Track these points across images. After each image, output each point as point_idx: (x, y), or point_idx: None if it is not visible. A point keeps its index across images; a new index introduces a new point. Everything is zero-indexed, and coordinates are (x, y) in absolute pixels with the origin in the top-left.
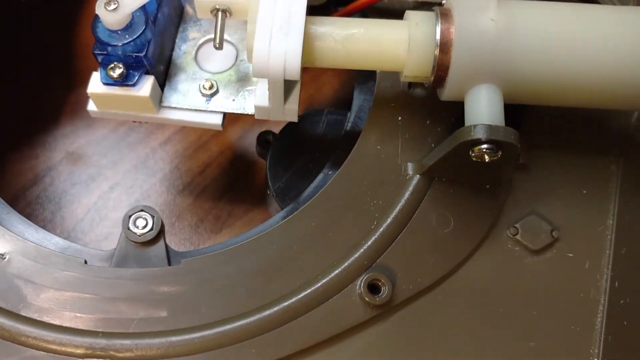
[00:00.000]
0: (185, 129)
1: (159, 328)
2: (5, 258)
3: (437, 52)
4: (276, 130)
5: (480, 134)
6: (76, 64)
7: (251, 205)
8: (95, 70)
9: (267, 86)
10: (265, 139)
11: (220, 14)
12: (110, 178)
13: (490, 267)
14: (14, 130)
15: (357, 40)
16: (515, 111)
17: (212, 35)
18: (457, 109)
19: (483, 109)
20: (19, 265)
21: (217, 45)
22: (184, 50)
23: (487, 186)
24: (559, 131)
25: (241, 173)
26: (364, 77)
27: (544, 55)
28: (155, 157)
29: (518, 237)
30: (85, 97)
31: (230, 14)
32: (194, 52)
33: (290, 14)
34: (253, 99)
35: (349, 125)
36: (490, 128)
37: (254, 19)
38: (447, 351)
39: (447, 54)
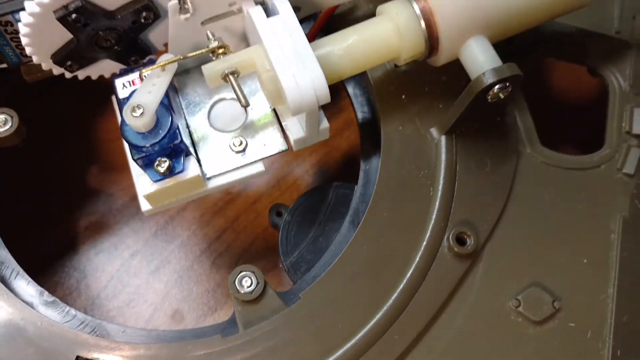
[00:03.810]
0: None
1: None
2: None
3: (424, 27)
4: (288, 203)
5: (491, 79)
6: (100, 141)
7: (265, 270)
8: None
9: (295, 121)
10: (277, 212)
11: (231, 77)
12: (132, 246)
13: (492, 339)
14: (41, 201)
15: (356, 47)
16: None
17: (214, 100)
18: (443, 69)
19: (481, 58)
20: None
21: (244, 103)
22: (197, 122)
23: (498, 118)
24: (556, 202)
25: (255, 237)
26: (368, 151)
27: None
28: (173, 224)
29: (520, 309)
30: (107, 170)
31: (239, 74)
32: (206, 121)
33: (298, 49)
34: (289, 135)
35: (357, 197)
36: (496, 71)
37: (265, 68)
38: None
39: (432, 25)
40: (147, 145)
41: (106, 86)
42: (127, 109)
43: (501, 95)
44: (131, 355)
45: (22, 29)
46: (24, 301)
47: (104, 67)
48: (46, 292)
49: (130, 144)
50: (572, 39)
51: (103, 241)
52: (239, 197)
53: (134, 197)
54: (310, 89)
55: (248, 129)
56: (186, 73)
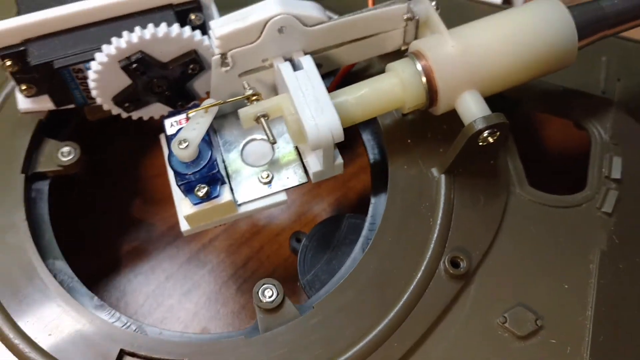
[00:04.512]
0: (230, 228)
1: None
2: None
3: (424, 82)
4: (306, 230)
5: (481, 125)
6: (145, 176)
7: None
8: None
9: (314, 157)
10: (297, 238)
11: (262, 119)
12: (167, 270)
13: (481, 352)
14: (91, 226)
15: (367, 97)
16: None
17: (247, 140)
18: (443, 119)
19: (473, 108)
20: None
21: (272, 141)
22: (232, 158)
23: (491, 162)
24: (542, 234)
25: (277, 266)
26: (378, 187)
27: (491, 53)
28: (205, 252)
29: (506, 325)
30: (149, 202)
31: (268, 117)
32: (239, 157)
33: (318, 97)
34: (309, 169)
35: (366, 226)
36: (485, 118)
37: (290, 112)
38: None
39: (432, 80)
40: (190, 173)
41: (153, 129)
42: (174, 142)
43: (490, 140)
44: (167, 350)
45: (91, 75)
46: (77, 301)
47: (155, 109)
48: (96, 297)
49: (175, 172)
50: (561, 96)
51: (142, 265)
52: (263, 229)
53: (171, 227)
54: (327, 129)
55: (274, 164)
56: (224, 117)
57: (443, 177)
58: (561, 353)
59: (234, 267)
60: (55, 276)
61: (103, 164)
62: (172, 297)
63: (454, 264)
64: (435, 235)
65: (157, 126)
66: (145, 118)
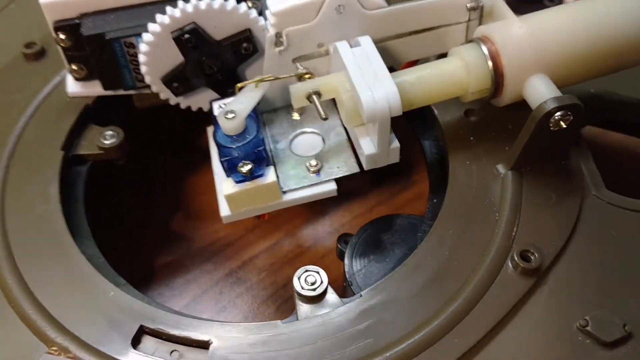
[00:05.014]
0: (273, 248)
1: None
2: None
3: (490, 65)
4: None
5: (553, 105)
6: (190, 193)
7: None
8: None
9: (367, 140)
10: (344, 240)
11: (314, 96)
12: (203, 285)
13: (557, 357)
14: (133, 235)
15: (427, 78)
16: None
17: (296, 133)
18: (509, 119)
19: (543, 90)
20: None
21: (323, 117)
22: (280, 147)
23: (562, 162)
24: (623, 238)
25: None
26: (436, 187)
27: (564, 33)
28: (245, 269)
29: (588, 328)
30: (191, 218)
31: (320, 95)
32: (288, 147)
33: (375, 71)
34: (361, 154)
35: (425, 224)
36: (557, 98)
37: (345, 89)
38: None
39: (498, 63)
40: (234, 147)
41: (201, 150)
42: (221, 113)
43: (563, 124)
44: (191, 328)
45: (143, 47)
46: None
47: (203, 98)
48: (121, 278)
49: (219, 146)
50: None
51: (176, 279)
52: (308, 250)
53: (212, 243)
54: (384, 99)
55: (324, 155)
56: (274, 112)
57: (510, 173)
58: None
59: (274, 287)
60: (82, 252)
61: (150, 174)
62: (206, 312)
63: (524, 258)
64: (502, 229)
65: (206, 148)
66: (194, 108)
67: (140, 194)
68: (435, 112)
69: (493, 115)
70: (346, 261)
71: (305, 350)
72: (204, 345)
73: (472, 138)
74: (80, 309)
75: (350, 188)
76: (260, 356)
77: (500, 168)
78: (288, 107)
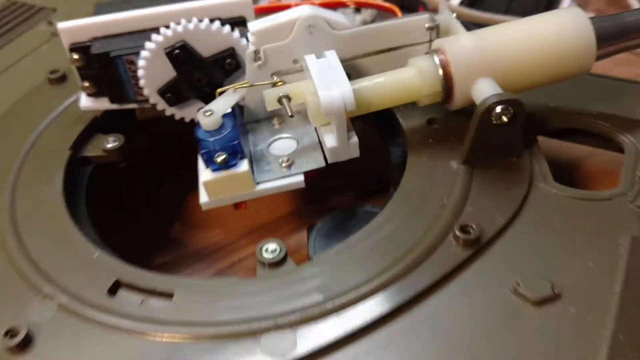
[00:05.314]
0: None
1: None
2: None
3: (440, 71)
4: None
5: (492, 100)
6: (189, 205)
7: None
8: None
9: (330, 135)
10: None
11: (284, 100)
12: None
13: (490, 315)
14: (132, 237)
15: (384, 84)
16: None
17: (274, 138)
18: (466, 128)
19: (486, 89)
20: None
21: (290, 115)
22: (259, 149)
23: (513, 159)
24: (566, 220)
25: None
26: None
27: (507, 47)
28: (234, 269)
29: (520, 289)
30: (187, 226)
31: (290, 99)
32: (266, 149)
33: (335, 75)
34: (325, 148)
35: None
36: (497, 94)
37: (310, 91)
38: None
39: (448, 69)
40: (212, 139)
41: None
42: (201, 112)
43: (504, 119)
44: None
45: (141, 63)
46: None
47: (194, 110)
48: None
49: (199, 140)
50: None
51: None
52: (294, 254)
53: (205, 247)
54: (339, 97)
55: (296, 154)
56: (257, 122)
57: (462, 167)
58: (581, 322)
59: None
60: (77, 228)
61: (151, 182)
62: None
63: (465, 231)
64: (449, 209)
65: None
66: (187, 119)
67: (141, 200)
68: (401, 121)
69: (454, 123)
70: (309, 244)
71: (261, 299)
72: (169, 295)
73: (431, 140)
74: (67, 265)
75: (336, 203)
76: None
77: (454, 164)
78: (270, 118)
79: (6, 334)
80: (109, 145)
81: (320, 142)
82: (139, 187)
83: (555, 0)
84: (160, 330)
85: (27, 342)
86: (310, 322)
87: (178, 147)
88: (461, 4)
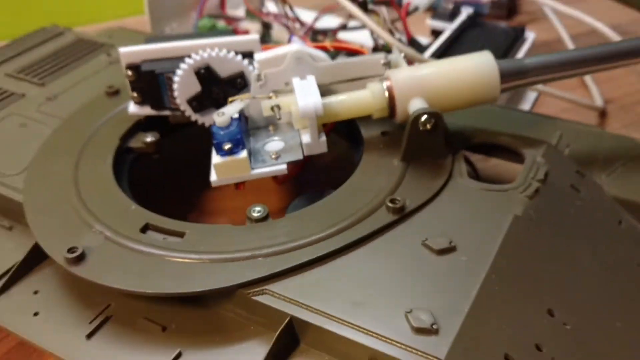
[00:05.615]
0: None
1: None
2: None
3: (386, 95)
4: None
5: (420, 111)
6: (205, 197)
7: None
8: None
9: (306, 134)
10: None
11: (275, 108)
12: None
13: (404, 263)
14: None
15: (346, 101)
16: None
17: (268, 140)
18: None
19: (418, 105)
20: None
21: (278, 118)
22: (257, 147)
23: (439, 160)
24: (470, 203)
25: None
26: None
27: (432, 77)
28: None
29: (427, 242)
30: (202, 214)
31: (280, 107)
32: (262, 146)
33: (311, 91)
34: (302, 143)
35: None
36: (424, 108)
37: (295, 102)
38: None
39: (392, 92)
40: (222, 133)
41: None
42: (216, 113)
43: (428, 126)
44: (173, 225)
45: (176, 79)
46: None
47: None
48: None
49: (213, 132)
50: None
51: None
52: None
53: None
54: (312, 105)
55: (283, 150)
56: (257, 129)
57: (400, 163)
58: (468, 265)
59: None
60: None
61: (177, 188)
62: None
63: (393, 201)
64: (386, 190)
65: None
66: (207, 124)
67: (167, 187)
68: (362, 132)
69: (401, 136)
70: (287, 212)
71: (246, 238)
72: (181, 234)
73: (382, 146)
74: (112, 212)
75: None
76: (216, 241)
77: (395, 161)
78: (267, 126)
79: (68, 250)
80: (148, 140)
81: (300, 143)
82: (166, 175)
83: (516, 43)
84: (174, 256)
85: (81, 258)
86: (277, 255)
87: (199, 151)
88: (435, 51)
